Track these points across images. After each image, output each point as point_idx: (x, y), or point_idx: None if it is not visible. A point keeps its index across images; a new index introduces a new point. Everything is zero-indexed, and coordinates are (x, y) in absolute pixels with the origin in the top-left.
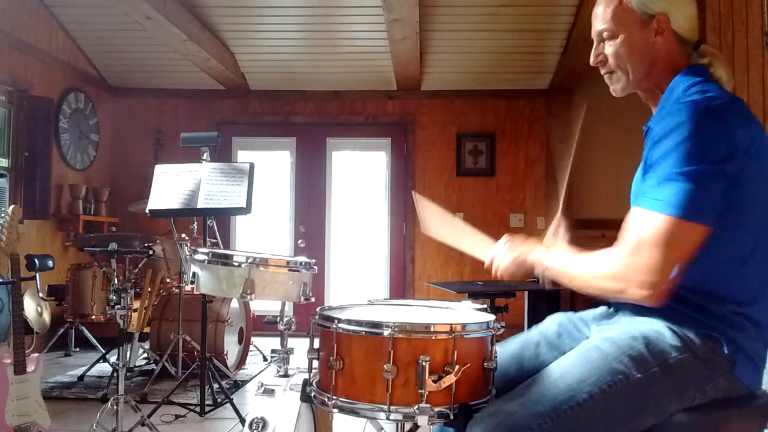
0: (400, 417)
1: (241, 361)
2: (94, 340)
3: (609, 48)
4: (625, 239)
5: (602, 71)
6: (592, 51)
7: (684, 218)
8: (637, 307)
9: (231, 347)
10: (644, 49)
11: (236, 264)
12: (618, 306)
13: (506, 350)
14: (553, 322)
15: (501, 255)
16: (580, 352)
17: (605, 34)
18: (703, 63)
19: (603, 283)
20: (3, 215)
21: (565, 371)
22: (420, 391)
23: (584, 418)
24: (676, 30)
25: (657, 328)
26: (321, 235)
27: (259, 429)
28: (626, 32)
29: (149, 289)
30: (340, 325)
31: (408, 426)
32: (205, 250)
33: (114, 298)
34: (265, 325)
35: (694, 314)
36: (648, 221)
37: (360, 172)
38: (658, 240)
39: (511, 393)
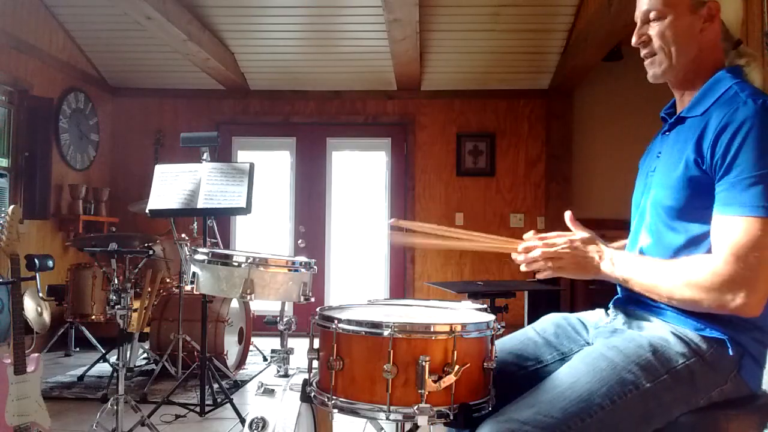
0: (400, 417)
1: (241, 361)
2: (94, 340)
3: (654, 29)
4: (719, 247)
5: (643, 52)
6: (636, 31)
7: None
8: (638, 311)
9: (231, 347)
10: (691, 34)
11: (236, 264)
12: (617, 308)
13: (504, 346)
14: (549, 321)
15: (555, 251)
16: (587, 360)
17: (652, 15)
18: (741, 65)
19: (697, 295)
20: (3, 215)
21: (575, 380)
22: (420, 391)
23: (595, 429)
24: (723, 21)
25: (661, 334)
26: (321, 235)
27: (259, 429)
28: (675, 14)
29: (149, 289)
30: (340, 325)
31: (408, 426)
32: (205, 250)
33: (114, 298)
34: (265, 325)
35: (698, 316)
36: (741, 226)
37: (360, 172)
38: (757, 244)
39: (520, 400)
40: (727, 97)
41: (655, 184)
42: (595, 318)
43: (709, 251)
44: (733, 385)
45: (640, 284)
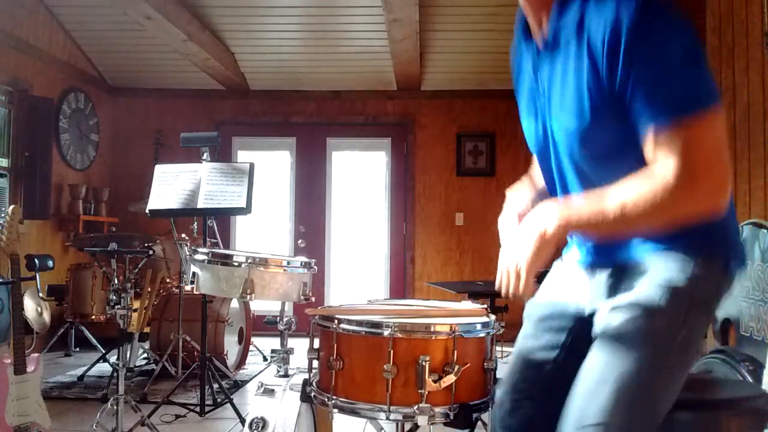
0: (400, 417)
1: (241, 361)
2: (94, 340)
3: None
4: (666, 153)
5: None
6: None
7: (712, 105)
8: (610, 266)
9: (231, 347)
10: None
11: (236, 264)
12: (592, 265)
13: (512, 380)
14: (534, 319)
15: (517, 258)
16: (613, 353)
17: None
18: None
19: (663, 210)
20: (3, 215)
21: (619, 374)
22: (420, 391)
23: (659, 400)
24: None
25: (648, 285)
26: (321, 235)
27: (259, 429)
28: None
29: (149, 289)
30: (341, 325)
31: (408, 426)
32: (205, 250)
33: (114, 298)
34: (265, 325)
35: (677, 238)
36: (682, 126)
37: (360, 172)
38: (703, 138)
39: (576, 407)
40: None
41: (559, 115)
42: (573, 292)
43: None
44: (727, 280)
45: (597, 221)
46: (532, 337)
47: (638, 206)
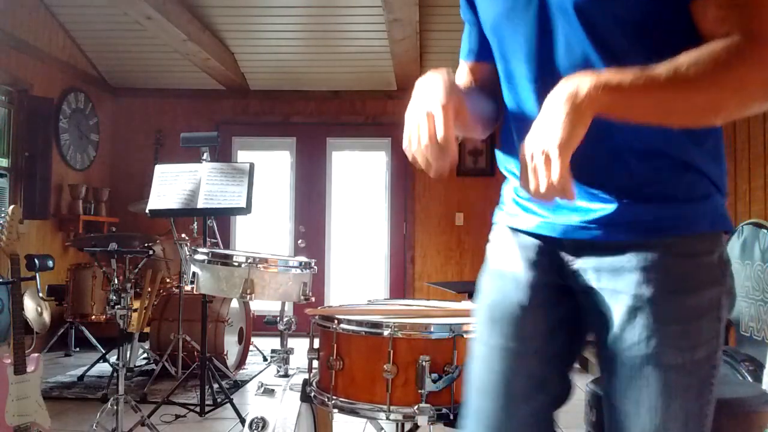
0: (400, 417)
1: (241, 361)
2: (94, 340)
3: None
4: (732, 14)
5: None
6: None
7: None
8: (604, 265)
9: (231, 347)
10: None
11: (236, 264)
12: (579, 247)
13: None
14: (513, 349)
15: (542, 138)
16: (654, 391)
17: None
18: None
19: (729, 72)
20: (3, 215)
21: (671, 417)
22: (420, 391)
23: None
24: None
25: (650, 290)
26: (321, 235)
27: (259, 429)
28: None
29: (149, 289)
30: (341, 325)
31: (408, 426)
32: (205, 250)
33: (114, 298)
34: (265, 325)
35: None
36: None
37: (360, 172)
38: None
39: None
40: None
41: None
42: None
43: None
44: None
45: (647, 89)
46: (519, 373)
47: (698, 65)
